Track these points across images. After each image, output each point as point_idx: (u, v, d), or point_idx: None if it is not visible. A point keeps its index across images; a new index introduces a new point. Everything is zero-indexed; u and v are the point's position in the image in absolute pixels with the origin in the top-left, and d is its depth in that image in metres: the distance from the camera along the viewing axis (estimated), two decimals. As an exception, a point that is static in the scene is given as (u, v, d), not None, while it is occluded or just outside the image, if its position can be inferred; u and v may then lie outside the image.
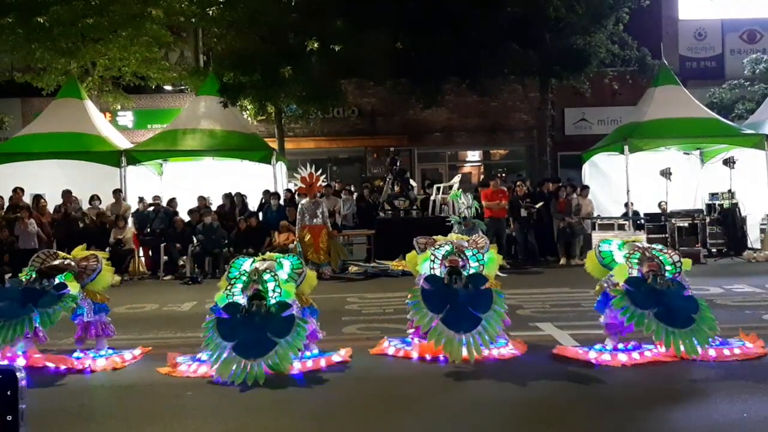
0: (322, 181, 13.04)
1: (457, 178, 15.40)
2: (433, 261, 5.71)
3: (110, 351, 5.88)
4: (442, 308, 5.26)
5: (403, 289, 9.04)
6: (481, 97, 18.73)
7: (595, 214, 13.95)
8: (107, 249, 12.22)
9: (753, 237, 14.17)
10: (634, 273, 5.42)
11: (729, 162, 13.63)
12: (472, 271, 5.63)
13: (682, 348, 5.02)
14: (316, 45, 14.61)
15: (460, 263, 5.62)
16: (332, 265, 12.07)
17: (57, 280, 5.63)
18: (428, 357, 5.48)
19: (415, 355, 5.54)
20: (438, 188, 14.68)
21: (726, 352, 5.25)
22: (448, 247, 5.81)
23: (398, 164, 14.46)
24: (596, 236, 11.59)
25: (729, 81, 20.61)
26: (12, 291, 5.64)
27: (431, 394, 4.68)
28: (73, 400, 4.80)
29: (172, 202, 13.88)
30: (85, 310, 5.78)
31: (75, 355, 5.74)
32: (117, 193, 13.61)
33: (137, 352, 5.95)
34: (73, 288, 5.62)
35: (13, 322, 5.30)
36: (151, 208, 13.63)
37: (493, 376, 5.03)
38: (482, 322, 5.23)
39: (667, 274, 5.43)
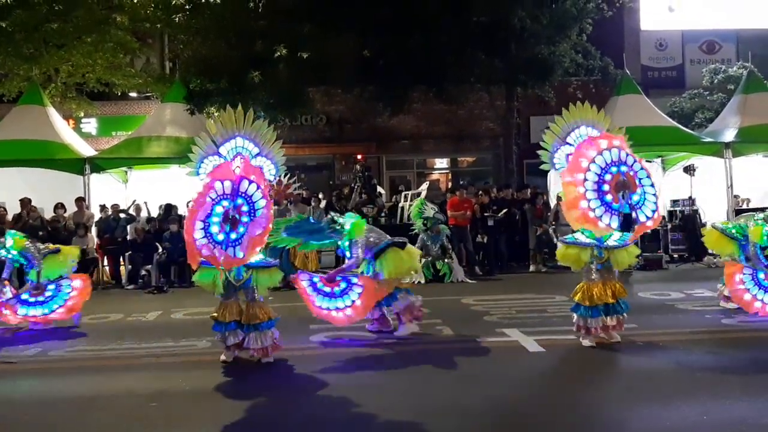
0: (294, 189, 12.91)
1: (424, 186, 15.45)
2: None
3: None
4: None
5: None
6: (448, 105, 18.84)
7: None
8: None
9: (713, 243, 14.47)
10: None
11: (689, 169, 13.96)
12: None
13: None
14: (284, 51, 14.55)
15: None
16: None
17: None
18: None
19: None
20: (406, 195, 14.69)
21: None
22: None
23: (367, 172, 14.45)
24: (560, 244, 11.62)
25: (689, 90, 21.05)
26: None
27: (392, 399, 4.69)
28: (33, 412, 4.72)
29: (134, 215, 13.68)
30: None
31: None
32: (80, 201, 13.36)
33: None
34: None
35: None
36: (123, 215, 13.47)
37: (458, 380, 5.08)
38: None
39: None
